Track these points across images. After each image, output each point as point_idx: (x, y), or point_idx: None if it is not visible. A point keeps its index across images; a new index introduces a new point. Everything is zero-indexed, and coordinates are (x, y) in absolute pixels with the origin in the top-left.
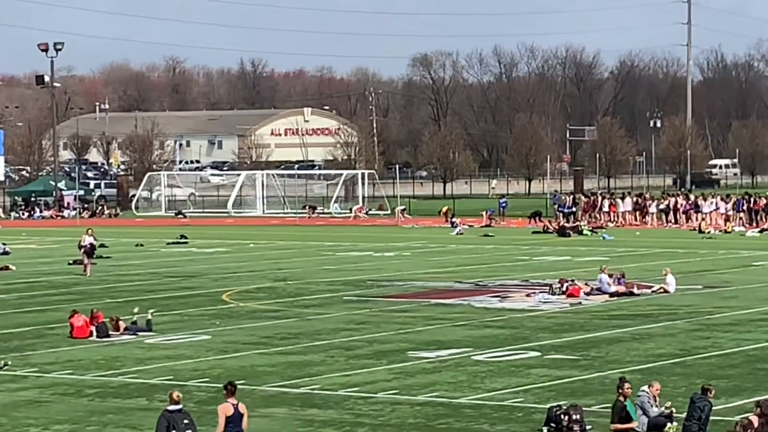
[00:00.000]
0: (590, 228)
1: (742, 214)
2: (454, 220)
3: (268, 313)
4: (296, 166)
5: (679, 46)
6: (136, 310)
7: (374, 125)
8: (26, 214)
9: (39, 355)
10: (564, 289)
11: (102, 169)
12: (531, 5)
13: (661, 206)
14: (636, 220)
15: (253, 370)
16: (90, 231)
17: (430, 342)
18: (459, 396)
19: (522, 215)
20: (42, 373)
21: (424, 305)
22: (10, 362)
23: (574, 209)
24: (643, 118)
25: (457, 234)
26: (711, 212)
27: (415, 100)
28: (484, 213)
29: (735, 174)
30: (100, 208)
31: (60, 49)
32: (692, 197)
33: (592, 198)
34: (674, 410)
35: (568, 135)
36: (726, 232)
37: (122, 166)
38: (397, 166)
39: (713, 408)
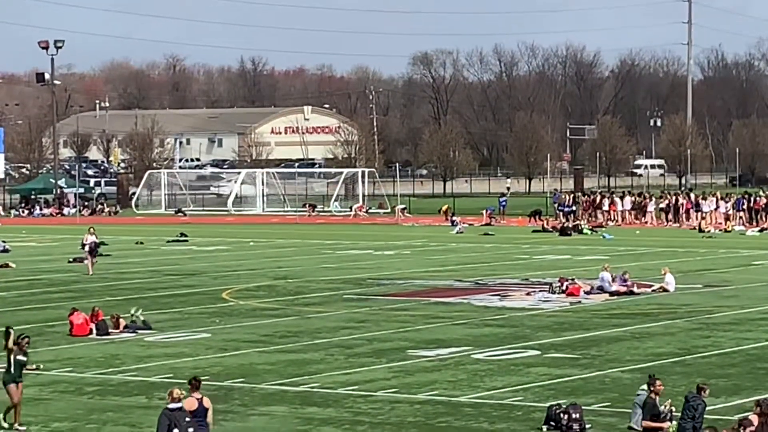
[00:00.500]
0: (590, 227)
1: (742, 213)
2: (454, 218)
3: (267, 312)
4: (296, 164)
5: (679, 45)
6: (132, 311)
7: (374, 123)
8: (26, 211)
9: (39, 353)
10: (564, 287)
11: (102, 167)
12: (532, 4)
13: (662, 205)
14: (636, 219)
15: (252, 368)
16: (92, 229)
17: (430, 340)
18: (459, 395)
19: (522, 214)
20: (43, 371)
21: (423, 304)
22: (42, 365)
23: (574, 208)
24: (644, 117)
25: (457, 233)
26: (711, 211)
27: (416, 98)
28: (484, 212)
29: (661, 174)
30: (99, 206)
31: (60, 47)
32: (693, 196)
33: (591, 197)
34: (674, 409)
35: (568, 134)
36: (726, 231)
37: (122, 164)
38: (397, 165)
39: (711, 407)
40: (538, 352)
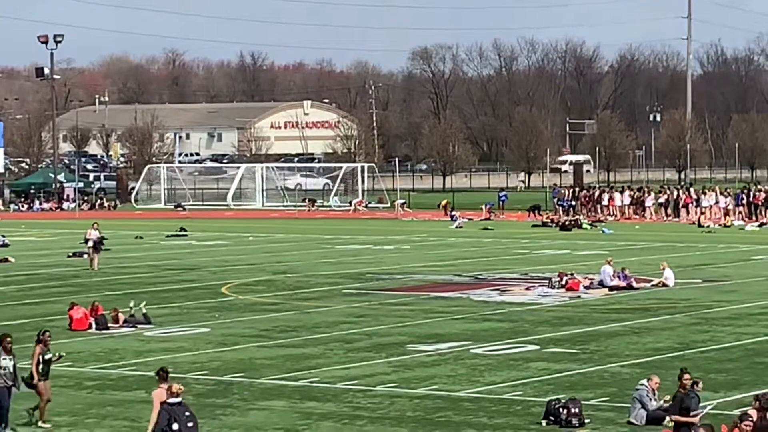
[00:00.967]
0: (590, 222)
1: (741, 208)
2: (453, 213)
3: (267, 306)
4: (296, 159)
5: (679, 40)
6: (132, 303)
7: (374, 118)
8: (26, 206)
9: None
10: (563, 282)
11: (101, 162)
12: None
13: (660, 200)
14: (636, 214)
15: (251, 362)
16: (96, 225)
17: (429, 335)
18: (458, 389)
19: (521, 209)
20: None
21: (423, 298)
22: (64, 353)
23: (573, 203)
24: (643, 111)
25: (456, 227)
26: (710, 206)
27: (415, 93)
28: (483, 206)
29: (588, 171)
30: (99, 200)
31: (60, 42)
32: (692, 191)
33: (590, 191)
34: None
35: (567, 129)
36: (725, 226)
37: (122, 159)
38: (396, 160)
39: (712, 401)
40: (538, 347)
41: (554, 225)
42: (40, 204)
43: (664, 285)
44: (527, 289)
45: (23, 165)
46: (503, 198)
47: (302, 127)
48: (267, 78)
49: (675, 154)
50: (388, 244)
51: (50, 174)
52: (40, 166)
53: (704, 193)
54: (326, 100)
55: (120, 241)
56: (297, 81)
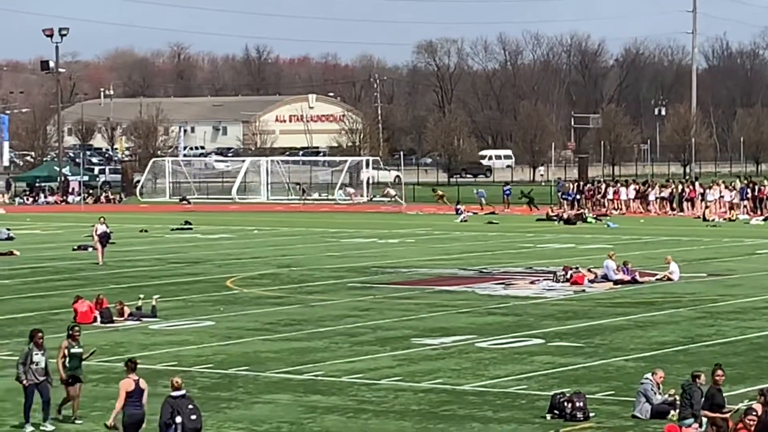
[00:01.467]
0: (594, 215)
1: (746, 202)
2: (458, 207)
3: (271, 300)
4: (301, 152)
5: (684, 34)
6: (141, 296)
7: (379, 112)
8: (30, 199)
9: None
10: (568, 276)
11: (107, 155)
12: None
13: (663, 194)
14: (639, 207)
15: (256, 356)
16: (103, 219)
17: (434, 329)
18: (462, 383)
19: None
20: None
21: (427, 292)
22: (96, 349)
23: (579, 197)
24: (648, 105)
25: (461, 221)
26: (716, 200)
27: (420, 87)
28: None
29: (508, 166)
30: (104, 193)
31: (65, 35)
32: (698, 185)
33: (595, 185)
34: (677, 398)
35: (572, 122)
36: (730, 220)
37: (127, 152)
38: (401, 153)
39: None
40: (542, 341)
41: (558, 219)
42: (45, 197)
43: (669, 279)
44: (532, 282)
45: (28, 158)
46: (507, 192)
47: (307, 121)
48: (272, 71)
49: (680, 148)
50: (392, 237)
51: (55, 167)
52: (45, 159)
53: (709, 188)
54: (331, 94)
55: (125, 234)
56: (302, 74)
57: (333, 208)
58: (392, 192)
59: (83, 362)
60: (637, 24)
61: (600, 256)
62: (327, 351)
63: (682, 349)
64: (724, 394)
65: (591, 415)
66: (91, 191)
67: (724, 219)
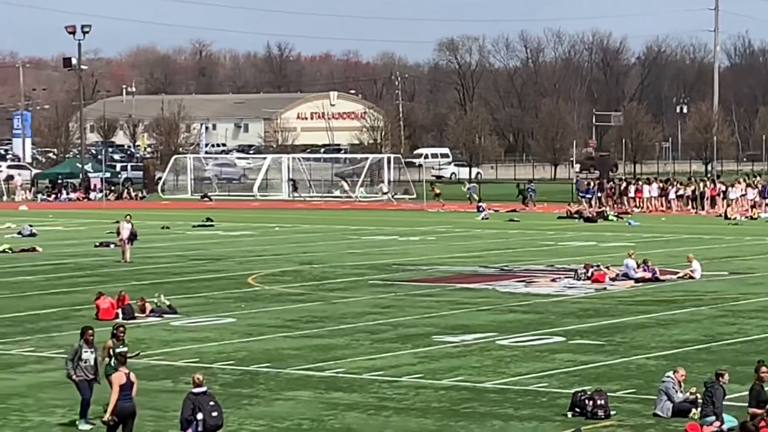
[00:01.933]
0: (616, 213)
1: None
2: (480, 204)
3: (293, 297)
4: (322, 149)
5: (706, 32)
6: (157, 294)
7: (400, 109)
8: (53, 196)
9: (65, 336)
10: (589, 274)
11: (128, 152)
12: None
13: (681, 192)
14: (662, 205)
15: (278, 353)
16: (128, 217)
17: (455, 326)
18: (483, 380)
19: (548, 200)
20: (67, 354)
21: (448, 290)
22: (140, 351)
23: (600, 195)
24: (670, 103)
25: (482, 219)
26: (737, 198)
27: (441, 84)
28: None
29: (448, 163)
30: (125, 190)
31: (87, 32)
32: (719, 184)
33: (617, 183)
34: (699, 396)
35: (594, 120)
36: (752, 218)
37: (148, 149)
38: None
39: (737, 394)
40: (563, 339)
41: (579, 217)
42: (68, 194)
43: (691, 277)
44: (553, 280)
45: (50, 155)
46: (531, 190)
47: (328, 118)
48: (293, 69)
49: (702, 146)
50: (414, 235)
51: (77, 164)
52: (67, 156)
53: (731, 186)
54: (352, 91)
55: (146, 231)
56: (323, 72)
57: (354, 205)
58: (384, 189)
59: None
60: (659, 22)
61: (621, 254)
62: (348, 348)
63: (704, 348)
64: (744, 393)
65: (612, 413)
66: (113, 188)
67: (746, 217)
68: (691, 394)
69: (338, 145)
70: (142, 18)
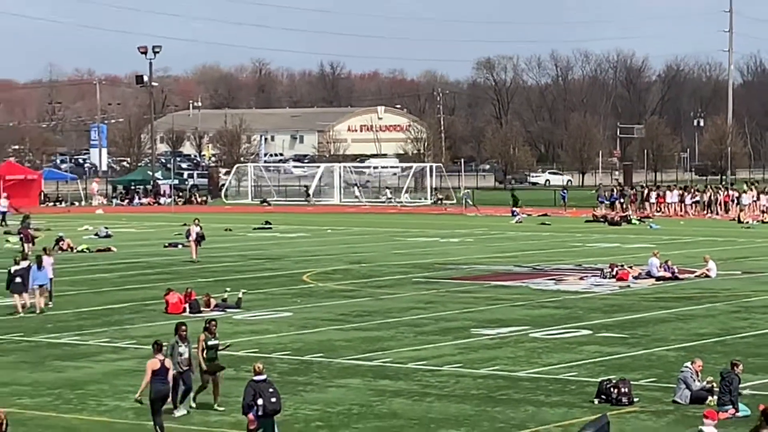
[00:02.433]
0: (638, 218)
1: None
2: (514, 209)
3: (344, 293)
4: (370, 159)
5: (721, 52)
6: (228, 289)
7: (441, 123)
8: (126, 200)
9: (137, 328)
10: (614, 273)
11: (194, 161)
12: (585, 14)
13: (696, 198)
14: (682, 210)
15: (330, 344)
16: (197, 221)
17: (492, 320)
18: (518, 370)
19: (577, 206)
20: (140, 345)
21: (485, 287)
22: (230, 343)
23: (622, 200)
24: (688, 117)
25: (516, 222)
26: (750, 203)
27: (479, 99)
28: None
29: (394, 174)
30: (192, 196)
31: (158, 52)
32: (732, 191)
33: (638, 190)
34: (715, 385)
35: (618, 132)
36: (763, 222)
37: (213, 158)
38: (462, 160)
39: (750, 383)
40: (590, 332)
41: (604, 221)
42: (139, 199)
43: (707, 276)
44: (581, 278)
45: (124, 164)
46: (564, 195)
47: (376, 131)
48: (345, 86)
49: (717, 156)
50: (453, 237)
51: (148, 172)
52: (139, 164)
53: (745, 192)
54: (398, 106)
55: (211, 233)
56: (372, 88)
57: (399, 210)
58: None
59: (219, 353)
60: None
61: (643, 254)
62: (394, 340)
63: (719, 341)
64: (756, 383)
65: (635, 400)
66: (180, 194)
67: (758, 221)
68: (707, 383)
69: (385, 154)
70: (207, 39)
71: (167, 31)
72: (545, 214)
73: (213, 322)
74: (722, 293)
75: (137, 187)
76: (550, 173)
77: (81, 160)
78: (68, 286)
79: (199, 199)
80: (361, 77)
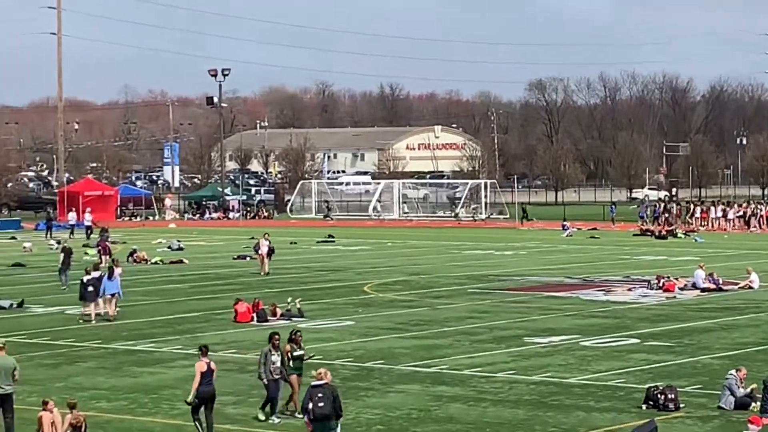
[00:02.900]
0: (684, 231)
1: None
2: (564, 223)
3: (403, 303)
4: (428, 176)
5: (762, 74)
6: (289, 299)
7: (495, 141)
8: (197, 215)
9: (207, 336)
10: (661, 284)
11: (262, 178)
12: (633, 38)
13: (739, 213)
14: (725, 224)
15: (390, 351)
16: (267, 235)
17: (543, 329)
18: (569, 377)
19: (624, 220)
20: (210, 352)
21: (537, 297)
22: (314, 354)
23: (667, 215)
24: (731, 136)
25: (567, 236)
26: None
27: (531, 119)
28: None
29: (366, 188)
30: (259, 211)
31: (227, 75)
32: None
33: (684, 205)
34: (757, 392)
35: (664, 150)
36: None
37: (279, 175)
38: (515, 177)
39: None
40: (638, 341)
41: (651, 235)
42: (210, 214)
43: (750, 287)
44: (629, 289)
45: (195, 180)
46: (613, 210)
47: (433, 149)
48: (403, 106)
49: (759, 173)
50: (507, 250)
51: (218, 188)
52: (209, 181)
53: None
54: (454, 125)
55: (277, 246)
56: (429, 109)
57: (456, 224)
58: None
59: (304, 362)
60: (721, 64)
61: (688, 267)
62: (450, 348)
63: (762, 349)
64: None
65: (681, 405)
66: (248, 209)
67: None
68: (751, 390)
69: (442, 171)
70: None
71: (236, 55)
72: (594, 228)
73: (298, 333)
74: (765, 304)
75: (208, 202)
76: (649, 188)
77: (155, 177)
78: (142, 296)
79: (265, 214)
80: (419, 98)
